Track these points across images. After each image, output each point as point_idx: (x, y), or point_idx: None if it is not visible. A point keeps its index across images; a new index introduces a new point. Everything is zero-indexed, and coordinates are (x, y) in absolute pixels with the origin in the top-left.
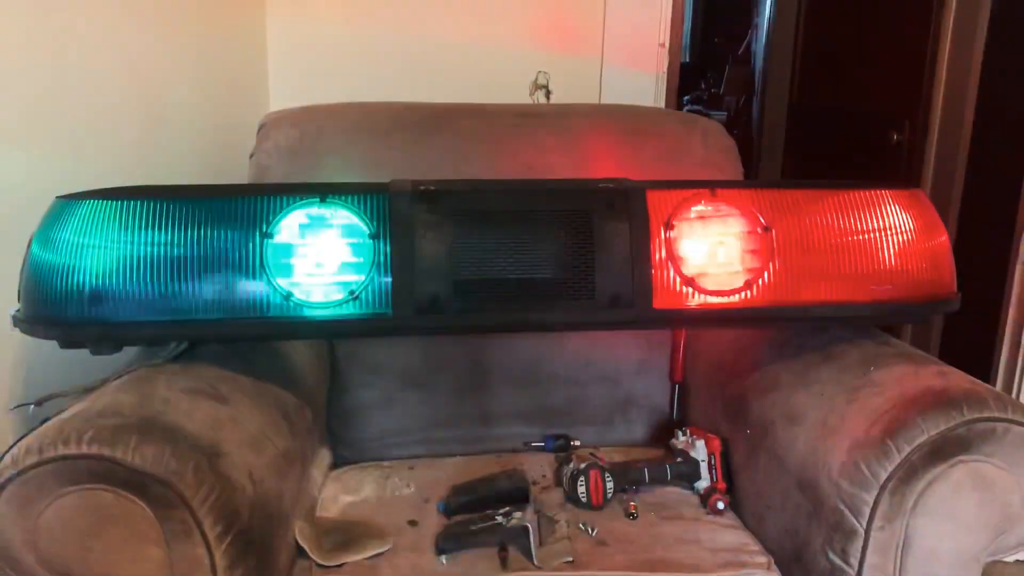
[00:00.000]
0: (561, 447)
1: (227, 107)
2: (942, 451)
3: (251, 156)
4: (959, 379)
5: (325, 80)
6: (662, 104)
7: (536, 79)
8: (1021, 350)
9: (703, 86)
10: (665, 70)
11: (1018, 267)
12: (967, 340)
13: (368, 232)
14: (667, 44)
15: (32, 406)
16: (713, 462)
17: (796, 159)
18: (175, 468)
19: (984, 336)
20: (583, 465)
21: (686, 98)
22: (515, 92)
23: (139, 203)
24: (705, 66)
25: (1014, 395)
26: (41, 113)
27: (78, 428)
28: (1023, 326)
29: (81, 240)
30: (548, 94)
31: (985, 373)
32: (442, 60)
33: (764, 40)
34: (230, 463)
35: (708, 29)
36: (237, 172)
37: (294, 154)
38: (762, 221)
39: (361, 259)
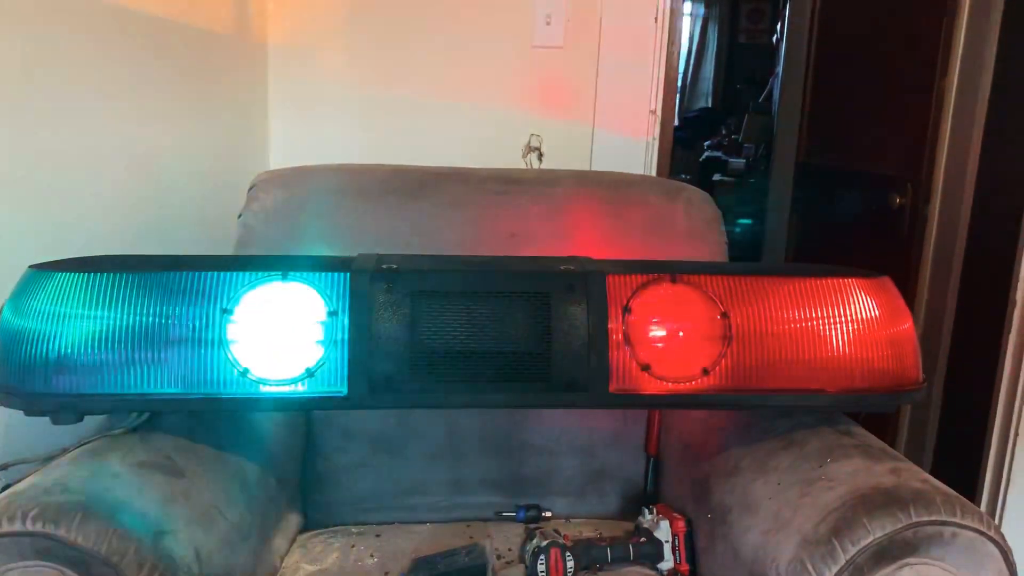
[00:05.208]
0: (532, 518)
1: (227, 164)
2: (888, 553)
3: (239, 216)
4: (911, 478)
5: (325, 137)
6: (653, 170)
7: (529, 141)
8: (1013, 422)
9: (723, 132)
10: (656, 136)
11: (1010, 338)
12: (965, 409)
13: (328, 310)
14: (659, 111)
15: None
16: (677, 543)
17: (802, 220)
18: (117, 547)
19: (980, 407)
20: (544, 543)
21: (707, 143)
22: (508, 153)
23: (104, 276)
24: (728, 112)
25: (1004, 475)
26: (34, 171)
27: (24, 505)
28: (1013, 398)
29: (46, 311)
30: (540, 156)
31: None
32: (440, 120)
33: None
34: (175, 541)
35: (731, 74)
36: (231, 230)
37: (279, 217)
38: (721, 307)
39: (320, 336)
